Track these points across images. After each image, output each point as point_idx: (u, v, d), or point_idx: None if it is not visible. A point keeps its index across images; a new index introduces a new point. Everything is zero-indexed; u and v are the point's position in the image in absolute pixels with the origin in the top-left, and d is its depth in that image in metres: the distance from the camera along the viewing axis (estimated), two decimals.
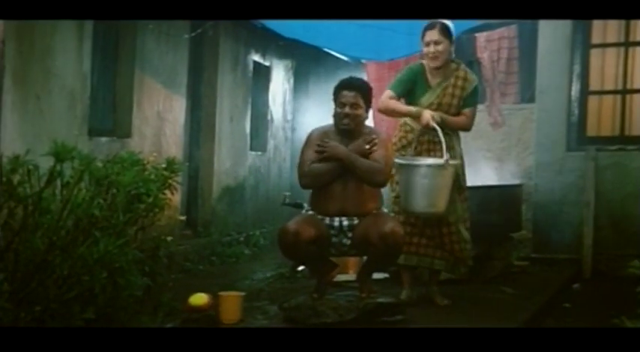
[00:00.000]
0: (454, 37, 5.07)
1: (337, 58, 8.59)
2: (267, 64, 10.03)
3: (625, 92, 7.45)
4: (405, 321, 4.50)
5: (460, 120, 5.11)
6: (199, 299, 4.48)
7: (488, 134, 7.94)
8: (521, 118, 8.18)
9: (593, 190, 7.25)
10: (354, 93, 4.60)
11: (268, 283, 6.35)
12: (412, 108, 5.02)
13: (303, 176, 4.59)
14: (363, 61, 8.11)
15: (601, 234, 7.19)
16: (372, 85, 5.22)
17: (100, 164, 3.78)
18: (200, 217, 8.39)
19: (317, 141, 4.61)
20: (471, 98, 5.13)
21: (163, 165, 4.15)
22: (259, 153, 9.91)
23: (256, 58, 9.66)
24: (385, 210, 4.77)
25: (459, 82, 5.08)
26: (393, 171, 4.86)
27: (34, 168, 3.43)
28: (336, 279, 5.59)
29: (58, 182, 3.51)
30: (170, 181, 4.10)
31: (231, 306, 4.53)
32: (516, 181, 7.52)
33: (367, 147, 4.54)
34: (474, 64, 7.51)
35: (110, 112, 6.83)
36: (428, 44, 5.03)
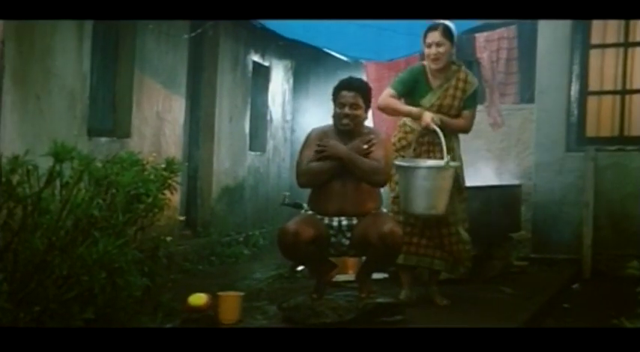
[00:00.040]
0: (456, 38, 5.08)
1: (337, 58, 8.59)
2: (266, 64, 10.03)
3: (624, 92, 7.45)
4: (404, 321, 4.49)
5: (459, 122, 5.11)
6: (199, 299, 4.47)
7: (487, 134, 7.95)
8: (520, 119, 8.18)
9: (593, 190, 7.25)
10: (353, 94, 4.60)
11: (267, 283, 6.35)
12: (413, 109, 5.01)
13: (300, 175, 4.59)
14: (363, 61, 8.11)
15: (600, 234, 7.19)
16: (372, 85, 5.22)
17: (99, 164, 3.78)
18: (199, 217, 8.39)
19: (316, 141, 4.61)
20: (471, 100, 5.14)
21: (163, 166, 4.15)
22: (258, 153, 9.91)
23: (256, 58, 9.66)
24: (384, 210, 4.77)
25: (460, 84, 5.08)
26: (393, 171, 4.86)
27: (34, 168, 3.43)
28: (335, 279, 5.59)
29: (58, 182, 3.52)
30: (169, 181, 4.11)
31: (231, 306, 4.53)
32: (516, 181, 7.52)
33: (365, 147, 4.53)
34: (473, 64, 7.51)
35: (110, 112, 6.83)
36: (430, 46, 5.03)
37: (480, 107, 5.74)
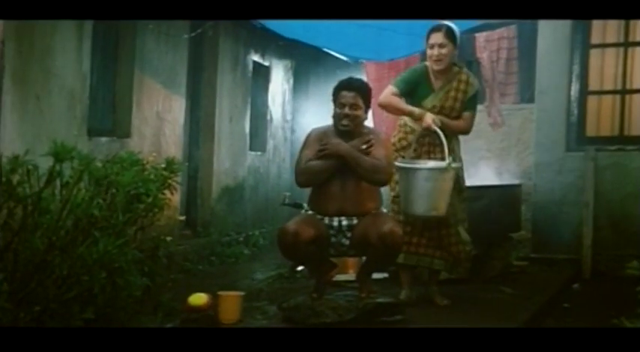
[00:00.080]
0: (458, 40, 5.07)
1: (337, 58, 8.59)
2: (266, 64, 10.04)
3: (624, 92, 7.45)
4: (404, 321, 4.49)
5: (460, 124, 5.11)
6: (199, 299, 4.47)
7: (487, 134, 7.94)
8: (520, 118, 8.18)
9: (593, 190, 7.25)
10: (353, 94, 4.59)
11: (268, 283, 6.36)
12: (415, 110, 5.01)
13: (299, 174, 4.59)
14: (363, 61, 8.10)
15: (600, 234, 7.19)
16: (372, 85, 5.22)
17: (99, 164, 3.78)
18: (199, 217, 8.39)
19: (316, 141, 4.60)
20: (472, 102, 5.15)
21: (163, 165, 4.15)
22: (259, 153, 9.91)
23: (256, 58, 9.66)
24: (384, 210, 4.77)
25: (462, 86, 5.08)
26: (393, 170, 4.85)
27: (34, 168, 3.43)
28: (335, 279, 5.60)
29: (58, 182, 3.52)
30: (169, 181, 4.10)
31: (231, 306, 4.52)
32: (516, 181, 7.52)
33: (364, 147, 4.53)
34: (473, 64, 7.52)
35: (110, 112, 6.83)
36: (432, 47, 5.02)
37: (480, 107, 5.74)
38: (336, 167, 4.52)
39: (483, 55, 7.64)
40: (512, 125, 8.13)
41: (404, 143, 5.12)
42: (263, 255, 8.36)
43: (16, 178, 3.40)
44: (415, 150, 5.04)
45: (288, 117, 10.84)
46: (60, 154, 3.38)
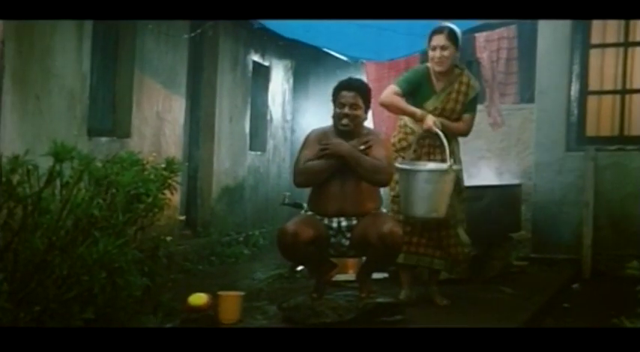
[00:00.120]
0: (460, 42, 5.07)
1: (337, 58, 8.59)
2: (266, 64, 10.03)
3: (624, 92, 7.46)
4: (404, 321, 4.50)
5: (460, 126, 5.11)
6: (198, 299, 4.47)
7: (487, 134, 7.94)
8: (520, 118, 8.18)
9: (593, 190, 7.26)
10: (353, 94, 4.59)
11: (267, 283, 6.35)
12: (417, 111, 5.00)
13: (297, 174, 4.58)
14: (363, 61, 8.10)
15: (600, 234, 7.20)
16: (372, 85, 5.23)
17: (99, 164, 3.78)
18: (199, 217, 8.39)
19: (315, 141, 4.60)
20: (472, 104, 5.15)
21: (163, 165, 4.15)
22: (259, 153, 9.91)
23: (256, 58, 9.66)
24: (384, 211, 4.77)
25: (463, 88, 5.08)
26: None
27: (34, 168, 3.43)
28: (335, 279, 5.60)
29: (58, 182, 3.51)
30: (169, 181, 4.10)
31: (231, 306, 4.52)
32: (516, 181, 7.52)
33: (362, 148, 4.52)
34: (473, 64, 7.51)
35: (110, 112, 6.83)
36: (434, 49, 5.02)
37: (479, 107, 5.75)
38: (335, 167, 4.52)
39: (483, 55, 7.64)
40: (512, 125, 8.13)
41: (404, 144, 5.12)
42: (263, 254, 8.36)
43: (16, 178, 3.39)
44: (415, 151, 5.04)
45: (288, 117, 10.84)
46: (60, 154, 3.38)
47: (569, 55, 7.52)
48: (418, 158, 5.03)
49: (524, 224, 7.28)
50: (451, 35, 5.00)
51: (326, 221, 4.55)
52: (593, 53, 7.55)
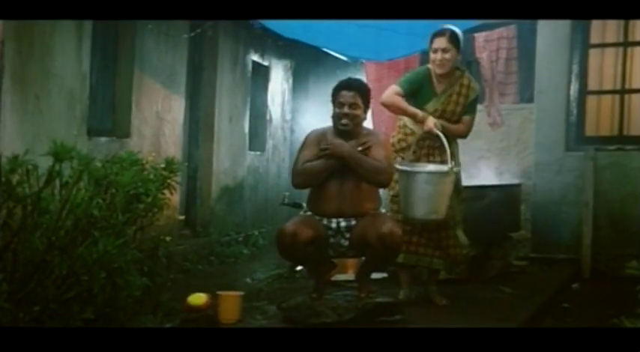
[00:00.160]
0: (462, 44, 5.07)
1: (336, 58, 8.60)
2: (266, 63, 10.04)
3: (624, 92, 7.46)
4: (403, 321, 4.50)
5: (459, 127, 5.11)
6: (198, 299, 4.47)
7: (487, 134, 7.93)
8: (520, 118, 8.18)
9: (592, 190, 7.26)
10: (352, 93, 4.59)
11: (267, 283, 6.36)
12: (418, 112, 5.00)
13: (296, 175, 4.58)
14: (363, 61, 8.10)
15: (600, 234, 7.20)
16: (372, 85, 5.23)
17: (99, 164, 3.78)
18: (199, 217, 8.39)
19: (314, 142, 4.59)
20: (472, 106, 5.16)
21: (162, 165, 4.15)
22: (258, 153, 9.91)
23: (255, 57, 9.66)
24: (383, 211, 4.77)
25: (463, 90, 5.09)
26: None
27: (33, 168, 3.43)
28: (334, 279, 5.59)
29: (57, 182, 3.51)
30: (169, 181, 4.10)
31: (230, 306, 4.52)
32: (515, 181, 7.52)
33: (359, 149, 4.51)
34: (472, 64, 7.51)
35: (109, 112, 6.83)
36: (435, 51, 5.02)
37: (479, 107, 5.75)
38: (334, 168, 4.51)
39: (483, 55, 7.63)
40: (511, 125, 8.13)
41: (403, 144, 5.12)
42: (262, 254, 8.36)
43: (15, 178, 3.39)
44: (414, 152, 5.04)
45: (288, 117, 10.84)
46: (59, 154, 3.37)
47: (569, 54, 7.53)
48: (417, 159, 5.03)
49: (524, 224, 7.28)
50: (453, 38, 5.00)
51: (325, 221, 4.55)
52: (593, 53, 7.55)
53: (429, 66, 5.11)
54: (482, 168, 7.45)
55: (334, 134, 4.61)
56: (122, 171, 3.78)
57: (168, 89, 7.39)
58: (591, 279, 6.95)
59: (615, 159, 7.30)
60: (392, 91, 5.06)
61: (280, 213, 9.02)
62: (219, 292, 4.63)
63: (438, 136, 4.88)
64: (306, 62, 10.57)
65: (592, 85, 7.56)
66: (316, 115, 9.23)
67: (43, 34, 5.57)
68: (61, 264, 3.42)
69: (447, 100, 5.06)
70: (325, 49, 8.09)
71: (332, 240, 4.55)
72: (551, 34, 7.52)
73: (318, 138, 4.61)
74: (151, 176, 4.01)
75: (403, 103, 5.05)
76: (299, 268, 6.24)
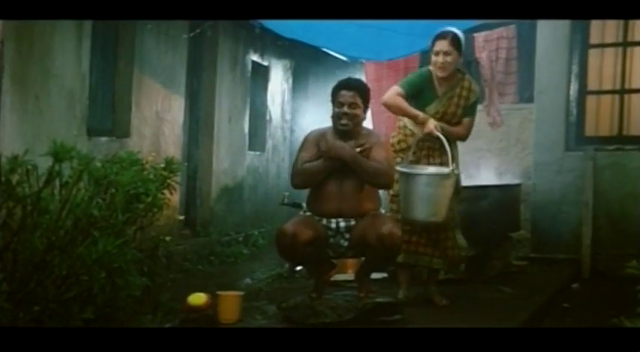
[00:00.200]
0: (463, 47, 5.07)
1: (336, 58, 8.59)
2: (265, 63, 10.04)
3: (623, 92, 7.46)
4: (403, 321, 4.50)
5: (459, 130, 5.12)
6: (198, 298, 4.47)
7: (487, 134, 7.93)
8: (519, 118, 8.18)
9: (592, 190, 7.26)
10: (352, 93, 4.58)
11: (267, 283, 6.36)
12: (420, 113, 5.00)
13: (295, 175, 4.58)
14: (362, 61, 8.10)
15: (600, 234, 7.20)
16: (371, 85, 5.23)
17: (98, 164, 3.78)
18: (199, 217, 8.39)
19: (314, 143, 4.59)
20: (472, 108, 5.16)
21: (162, 165, 4.15)
22: (258, 152, 9.91)
23: (255, 57, 9.66)
24: (382, 211, 4.76)
25: (464, 93, 5.09)
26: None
27: (33, 168, 3.43)
28: (334, 279, 5.59)
29: (57, 182, 3.51)
30: (169, 181, 4.10)
31: (230, 306, 4.53)
32: (515, 181, 7.51)
33: (360, 150, 4.51)
34: (472, 64, 7.52)
35: (109, 112, 6.83)
36: (437, 54, 5.02)
37: (479, 107, 5.75)
38: (333, 168, 4.51)
39: (482, 55, 7.63)
40: (511, 125, 8.13)
41: (403, 145, 5.12)
42: (262, 254, 8.36)
43: (15, 178, 3.39)
44: (414, 153, 5.04)
45: (287, 117, 10.84)
46: (59, 154, 3.37)
47: (568, 54, 7.53)
48: (417, 161, 5.03)
49: (524, 224, 7.28)
50: (454, 41, 5.00)
51: (324, 221, 4.55)
52: (592, 53, 7.55)
53: (431, 68, 5.10)
54: (481, 168, 7.45)
55: (334, 134, 4.61)
56: (122, 171, 3.78)
57: (167, 89, 7.39)
58: (591, 279, 6.95)
59: (615, 159, 7.30)
60: (393, 92, 5.06)
61: (280, 213, 9.01)
62: (219, 292, 4.63)
63: (438, 138, 4.88)
64: (306, 62, 10.57)
65: (592, 85, 7.56)
66: (316, 115, 9.23)
67: (43, 34, 5.57)
68: (60, 264, 3.42)
69: (448, 103, 5.07)
70: (325, 49, 8.08)
71: (331, 240, 4.55)
72: (550, 34, 7.52)
73: (317, 138, 4.61)
74: (151, 176, 4.01)
75: (404, 104, 5.04)
76: (299, 268, 6.24)
